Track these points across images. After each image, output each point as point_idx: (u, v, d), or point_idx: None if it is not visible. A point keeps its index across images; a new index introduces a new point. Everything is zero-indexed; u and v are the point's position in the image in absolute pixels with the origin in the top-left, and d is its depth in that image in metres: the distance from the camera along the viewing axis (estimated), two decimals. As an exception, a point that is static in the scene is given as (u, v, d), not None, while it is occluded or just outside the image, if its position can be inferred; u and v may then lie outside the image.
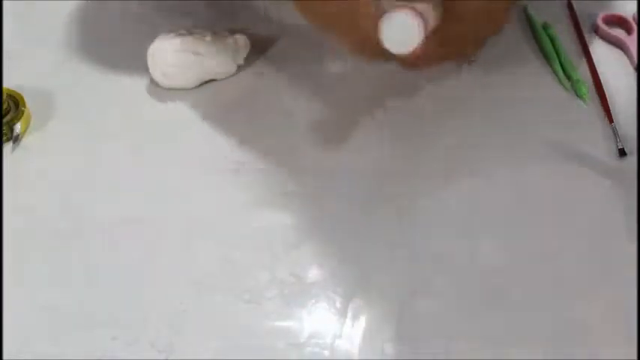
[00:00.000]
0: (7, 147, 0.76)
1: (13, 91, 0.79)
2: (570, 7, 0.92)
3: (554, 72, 0.84)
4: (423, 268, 0.68)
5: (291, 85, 0.84)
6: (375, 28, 0.67)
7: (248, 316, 0.64)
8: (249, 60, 0.85)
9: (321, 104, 0.81)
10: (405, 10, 0.67)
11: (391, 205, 0.73)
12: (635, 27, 0.88)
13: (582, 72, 0.85)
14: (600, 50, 0.87)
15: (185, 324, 0.64)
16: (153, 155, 0.76)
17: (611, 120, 0.79)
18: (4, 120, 0.76)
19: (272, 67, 0.86)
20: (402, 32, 0.67)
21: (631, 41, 0.87)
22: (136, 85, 0.82)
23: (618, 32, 0.89)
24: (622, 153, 0.76)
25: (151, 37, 0.81)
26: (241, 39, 0.84)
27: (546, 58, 0.86)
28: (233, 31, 0.84)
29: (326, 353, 0.62)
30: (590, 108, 0.81)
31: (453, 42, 0.74)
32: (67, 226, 0.70)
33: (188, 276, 0.67)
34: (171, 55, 0.80)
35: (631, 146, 0.77)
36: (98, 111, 0.80)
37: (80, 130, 0.78)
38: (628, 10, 0.91)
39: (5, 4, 0.88)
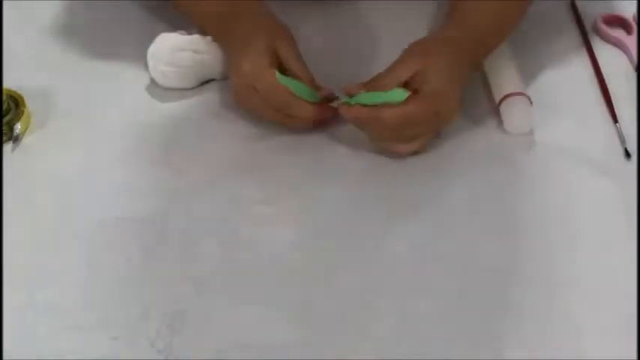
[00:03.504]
0: (7, 147, 0.76)
1: (13, 91, 0.79)
2: (574, 7, 0.92)
3: None
4: (422, 268, 0.68)
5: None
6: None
7: (248, 316, 0.65)
8: (249, 60, 0.85)
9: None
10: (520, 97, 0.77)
11: (391, 203, 0.73)
12: (635, 27, 0.88)
13: (585, 72, 0.85)
14: (600, 50, 0.87)
15: (185, 324, 0.64)
16: (153, 155, 0.76)
17: (615, 120, 0.79)
18: (4, 120, 0.76)
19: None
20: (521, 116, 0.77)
21: (631, 41, 0.87)
22: (136, 85, 0.82)
23: (618, 32, 0.89)
24: (627, 154, 0.76)
25: (151, 37, 0.81)
26: (241, 39, 0.84)
27: None
28: (233, 31, 0.84)
29: (326, 352, 0.62)
30: (593, 108, 0.81)
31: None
32: (67, 226, 0.70)
33: (188, 276, 0.67)
34: (172, 54, 0.80)
35: (632, 146, 0.77)
36: (98, 111, 0.80)
37: (80, 130, 0.78)
38: (628, 10, 0.91)
39: (5, 3, 0.88)
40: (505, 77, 0.80)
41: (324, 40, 0.86)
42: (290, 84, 0.74)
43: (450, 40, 0.76)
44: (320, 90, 0.76)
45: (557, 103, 0.81)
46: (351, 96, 0.74)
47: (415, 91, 0.72)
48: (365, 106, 0.72)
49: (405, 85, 0.73)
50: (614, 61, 0.86)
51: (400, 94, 0.72)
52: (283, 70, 0.75)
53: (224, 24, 0.78)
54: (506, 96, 0.78)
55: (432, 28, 0.87)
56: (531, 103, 0.77)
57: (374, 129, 0.73)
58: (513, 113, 0.77)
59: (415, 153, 0.75)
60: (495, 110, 0.79)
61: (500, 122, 0.78)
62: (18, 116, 0.77)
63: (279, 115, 0.75)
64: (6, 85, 0.78)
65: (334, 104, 0.76)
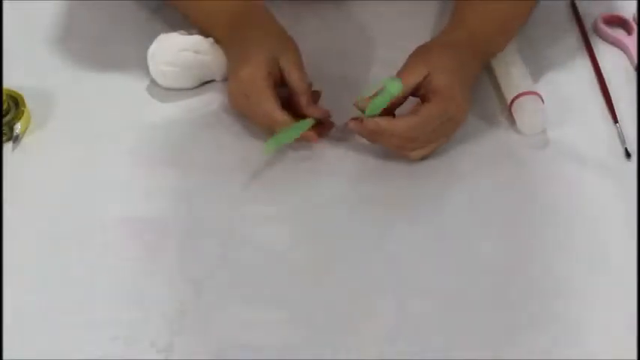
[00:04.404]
0: (7, 147, 0.76)
1: (13, 91, 0.79)
2: (574, 7, 0.92)
3: None
4: (422, 268, 0.68)
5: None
6: None
7: (248, 316, 0.64)
8: (249, 60, 0.85)
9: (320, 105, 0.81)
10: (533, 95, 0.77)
11: (392, 203, 0.73)
12: (635, 27, 0.88)
13: (585, 72, 0.85)
14: (600, 50, 0.87)
15: (185, 324, 0.64)
16: (153, 155, 0.76)
17: (615, 120, 0.79)
18: (4, 120, 0.76)
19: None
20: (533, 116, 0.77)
21: (631, 41, 0.87)
22: (136, 85, 0.82)
23: (618, 32, 0.89)
24: (627, 154, 0.76)
25: (151, 37, 0.81)
26: (241, 39, 0.84)
27: None
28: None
29: (327, 352, 0.62)
30: (593, 108, 0.81)
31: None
32: (67, 226, 0.70)
33: (188, 276, 0.67)
34: (172, 55, 0.80)
35: (632, 146, 0.77)
36: (98, 111, 0.80)
37: (80, 130, 0.78)
38: (628, 10, 0.91)
39: (5, 4, 0.88)
40: (515, 76, 0.80)
41: (320, 40, 0.86)
42: (284, 139, 0.72)
43: (454, 42, 0.76)
44: (314, 108, 0.74)
45: (557, 103, 0.80)
46: (362, 111, 0.73)
47: (424, 97, 0.72)
48: (373, 116, 0.72)
49: (414, 91, 0.73)
50: (614, 61, 0.86)
51: (394, 85, 0.71)
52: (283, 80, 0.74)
53: (230, 24, 0.78)
54: (518, 95, 0.77)
55: (431, 28, 0.87)
56: (543, 101, 0.77)
57: (387, 140, 0.73)
58: (525, 113, 0.77)
59: (424, 157, 0.75)
60: (506, 110, 0.79)
61: (510, 122, 0.78)
62: (18, 116, 0.77)
63: (267, 128, 0.75)
64: (6, 85, 0.78)
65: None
